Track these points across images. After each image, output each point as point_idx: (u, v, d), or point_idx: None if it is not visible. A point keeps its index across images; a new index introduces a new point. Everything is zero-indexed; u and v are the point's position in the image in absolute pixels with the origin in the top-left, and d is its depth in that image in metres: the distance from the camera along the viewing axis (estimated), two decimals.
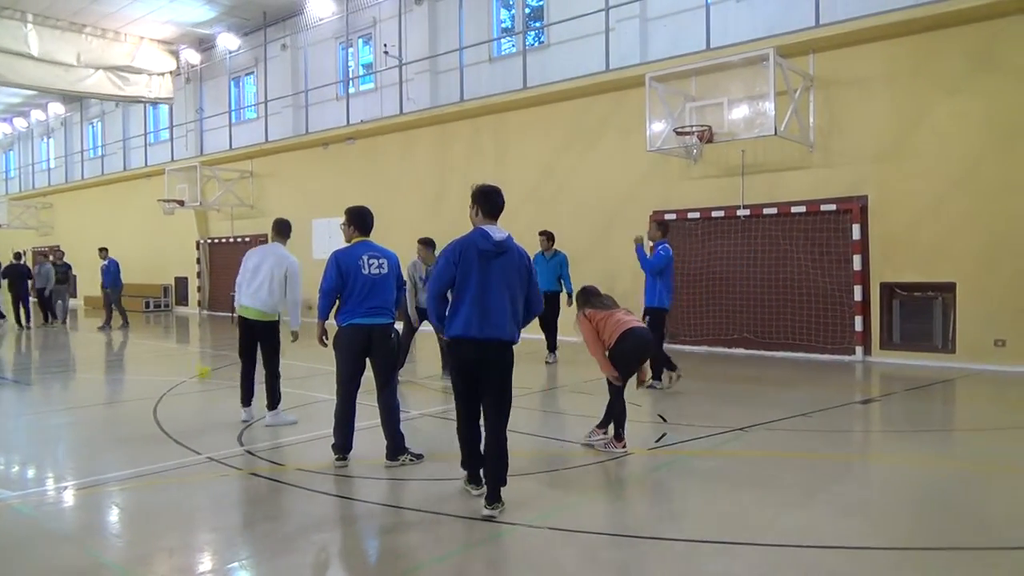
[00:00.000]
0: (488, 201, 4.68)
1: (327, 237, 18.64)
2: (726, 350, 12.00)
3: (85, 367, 12.20)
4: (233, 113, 22.38)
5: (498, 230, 4.64)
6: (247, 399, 7.12)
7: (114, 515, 4.71)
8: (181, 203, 20.71)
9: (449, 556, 3.96)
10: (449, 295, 4.64)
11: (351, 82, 19.02)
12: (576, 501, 4.82)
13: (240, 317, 7.07)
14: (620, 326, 5.85)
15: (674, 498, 4.86)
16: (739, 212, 11.77)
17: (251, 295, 6.95)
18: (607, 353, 5.86)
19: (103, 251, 17.73)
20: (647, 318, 8.22)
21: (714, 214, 12.07)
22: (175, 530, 4.50)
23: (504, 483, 4.53)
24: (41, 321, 18.74)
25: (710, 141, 11.21)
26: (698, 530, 4.20)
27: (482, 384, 4.61)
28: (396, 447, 5.57)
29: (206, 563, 3.96)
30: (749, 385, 9.19)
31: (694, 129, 11.19)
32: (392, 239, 15.49)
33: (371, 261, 5.65)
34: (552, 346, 11.01)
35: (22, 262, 19.48)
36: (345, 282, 5.53)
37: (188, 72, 23.09)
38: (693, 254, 12.40)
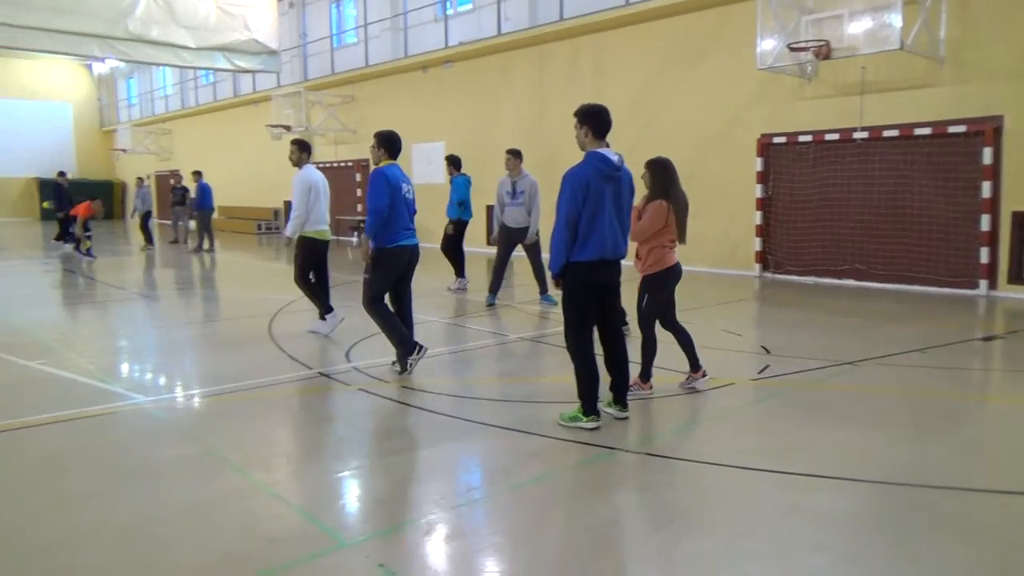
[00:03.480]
0: (599, 120, 4.61)
1: (426, 162, 18.83)
2: (834, 281, 11.50)
3: (204, 285, 12.98)
4: (335, 38, 22.57)
5: (612, 152, 4.59)
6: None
7: (233, 421, 5.05)
8: (287, 128, 21.29)
9: (549, 475, 4.05)
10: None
11: (449, 2, 18.75)
12: (675, 429, 4.81)
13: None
14: (673, 255, 5.42)
15: (777, 430, 4.77)
16: (855, 135, 11.05)
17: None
18: (644, 274, 5.38)
19: (197, 174, 18.50)
20: None
21: (828, 137, 11.38)
22: (288, 437, 4.81)
23: None
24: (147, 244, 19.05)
25: (827, 57, 10.47)
26: (802, 463, 4.11)
27: (602, 305, 4.72)
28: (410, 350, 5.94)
29: (316, 470, 4.21)
30: (858, 318, 8.81)
31: (810, 45, 10.47)
32: (489, 163, 15.50)
33: (404, 185, 5.92)
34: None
35: (145, 186, 20.63)
36: (393, 201, 5.75)
37: None
38: (802, 179, 11.80)
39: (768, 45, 11.05)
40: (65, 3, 17.60)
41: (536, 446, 4.44)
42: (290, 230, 7.44)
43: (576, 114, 4.65)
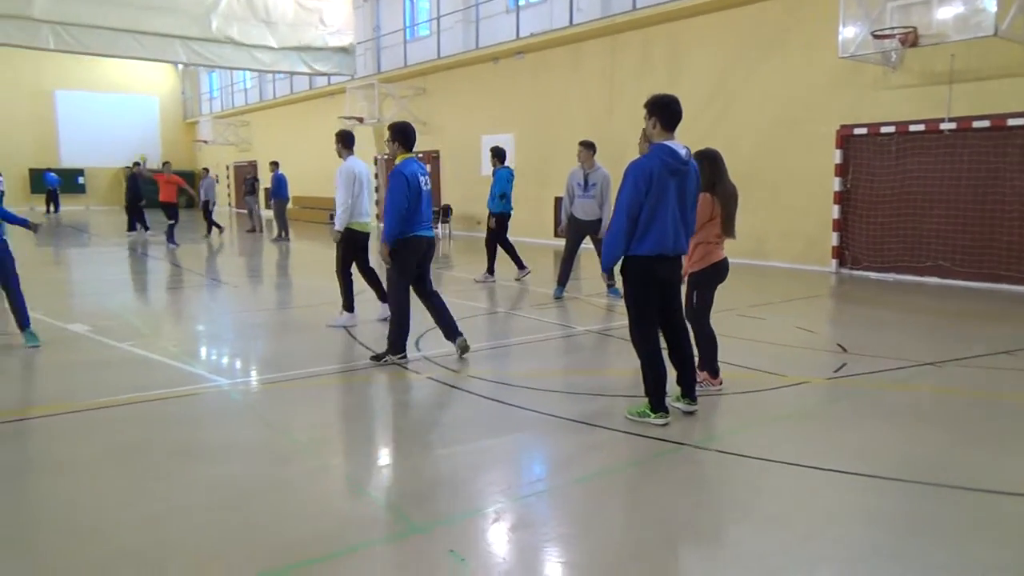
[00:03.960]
0: (668, 111, 4.51)
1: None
2: (916, 278, 11.05)
3: (279, 272, 13.39)
4: (408, 30, 22.86)
5: (679, 145, 4.51)
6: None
7: (307, 405, 5.21)
8: (360, 120, 21.71)
9: (616, 468, 4.04)
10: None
11: None
12: (745, 426, 4.72)
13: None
14: (720, 251, 5.26)
15: (852, 431, 4.63)
16: (943, 126, 10.56)
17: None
18: (691, 271, 5.24)
19: (273, 165, 19.04)
20: None
21: (912, 128, 10.91)
22: (359, 422, 4.93)
23: None
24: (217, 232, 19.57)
25: (914, 45, 10.03)
26: (878, 466, 3.98)
27: (663, 300, 4.68)
28: (455, 331, 6.26)
29: (386, 454, 4.31)
30: (942, 317, 8.45)
31: (896, 32, 10.05)
32: (557, 155, 15.42)
33: (422, 177, 6.00)
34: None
35: (209, 176, 21.09)
36: (412, 196, 5.86)
37: None
38: (884, 172, 11.36)
39: (850, 32, 10.65)
40: (155, 1, 18.36)
41: (603, 439, 4.44)
42: (339, 223, 7.50)
43: (646, 104, 4.57)
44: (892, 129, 11.14)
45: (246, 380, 5.91)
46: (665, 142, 4.50)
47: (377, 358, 6.17)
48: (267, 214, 22.95)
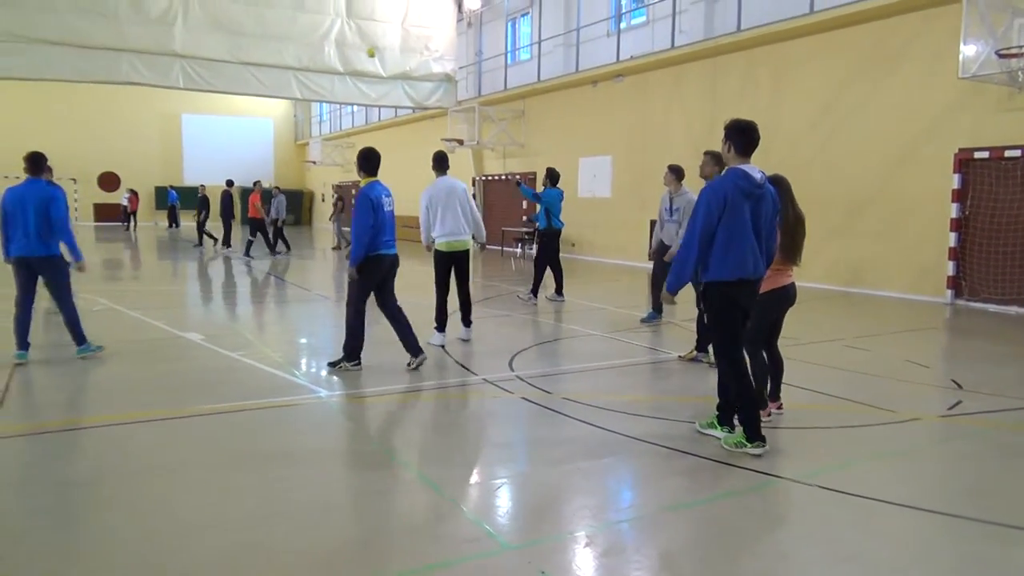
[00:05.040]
0: (744, 137, 4.49)
1: (591, 176, 18.94)
2: None
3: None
4: (509, 55, 23.29)
5: (755, 169, 4.47)
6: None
7: (403, 420, 5.34)
8: (461, 142, 22.21)
9: (710, 498, 3.94)
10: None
11: (622, 17, 18.79)
12: (850, 462, 4.51)
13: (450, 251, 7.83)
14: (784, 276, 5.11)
15: (968, 473, 4.34)
16: None
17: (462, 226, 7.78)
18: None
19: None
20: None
21: None
22: (453, 439, 5.01)
23: None
24: (285, 249, 20.02)
25: None
26: (1000, 513, 3.72)
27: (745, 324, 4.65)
28: (416, 348, 6.61)
29: (479, 472, 4.36)
30: None
31: (1023, 50, 9.48)
32: (657, 178, 15.34)
33: (386, 199, 6.41)
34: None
35: (279, 195, 21.36)
36: (376, 218, 6.23)
37: (470, 17, 24.37)
38: (1007, 198, 10.68)
39: (972, 51, 10.12)
40: (273, 28, 19.54)
41: (696, 466, 4.34)
42: (423, 239, 7.96)
43: (725, 128, 4.56)
44: (1018, 153, 10.47)
45: (345, 392, 6.11)
46: (740, 166, 4.47)
47: (333, 364, 6.59)
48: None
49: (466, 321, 8.09)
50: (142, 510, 3.69)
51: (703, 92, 15.65)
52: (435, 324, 7.89)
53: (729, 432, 4.70)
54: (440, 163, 7.96)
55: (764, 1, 14.62)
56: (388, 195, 6.50)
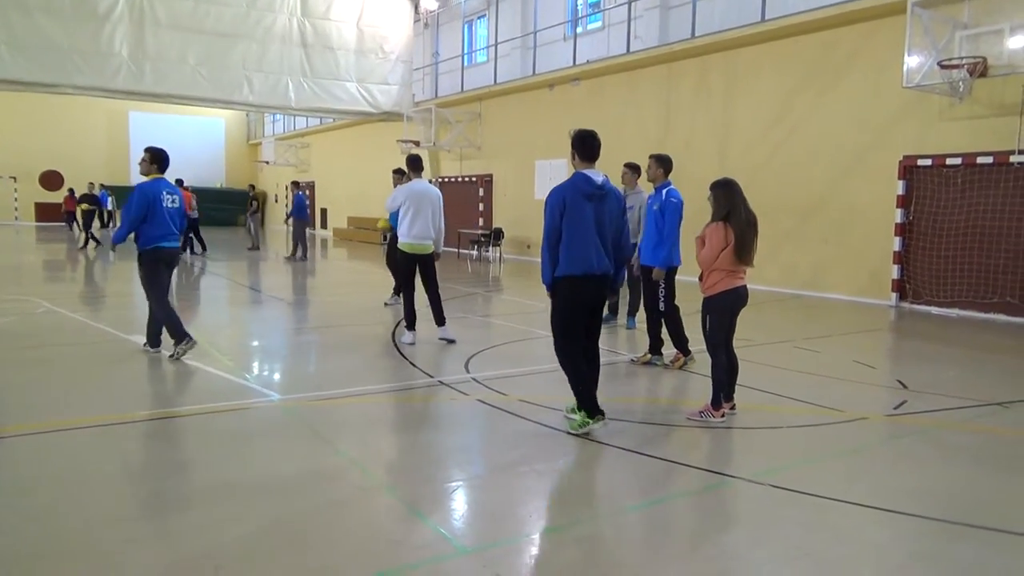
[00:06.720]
0: (585, 144, 4.88)
1: (548, 178, 19.00)
2: (982, 315, 10.66)
3: (325, 292, 13.62)
4: (466, 57, 23.25)
5: (597, 173, 4.85)
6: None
7: (357, 423, 5.26)
8: (416, 143, 22.07)
9: (667, 498, 3.97)
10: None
11: (579, 21, 18.91)
12: (801, 461, 4.59)
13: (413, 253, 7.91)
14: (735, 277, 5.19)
15: (914, 471, 4.45)
16: (1013, 158, 10.22)
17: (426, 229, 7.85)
18: (705, 296, 5.24)
19: (294, 185, 19.94)
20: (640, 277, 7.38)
21: (980, 160, 10.59)
22: (407, 442, 4.95)
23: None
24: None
25: (983, 75, 9.79)
26: (945, 510, 3.82)
27: (589, 318, 4.95)
28: (158, 339, 7.08)
29: (434, 476, 4.31)
30: (1010, 356, 8.11)
31: (964, 61, 9.82)
32: (613, 180, 15.43)
33: (168, 195, 6.87)
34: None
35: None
36: (151, 211, 6.68)
37: (426, 18, 24.27)
38: (949, 205, 11.03)
39: (915, 62, 10.44)
40: (225, 25, 19.15)
41: (650, 467, 4.37)
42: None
43: (570, 138, 4.93)
44: (959, 161, 10.83)
45: (298, 396, 5.99)
46: (583, 170, 4.84)
47: (173, 356, 6.81)
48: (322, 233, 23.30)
49: (439, 320, 8.02)
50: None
51: (658, 97, 15.84)
52: (405, 323, 7.96)
53: (599, 418, 4.85)
54: (415, 165, 8.01)
55: (717, 9, 14.88)
56: (174, 192, 6.98)
